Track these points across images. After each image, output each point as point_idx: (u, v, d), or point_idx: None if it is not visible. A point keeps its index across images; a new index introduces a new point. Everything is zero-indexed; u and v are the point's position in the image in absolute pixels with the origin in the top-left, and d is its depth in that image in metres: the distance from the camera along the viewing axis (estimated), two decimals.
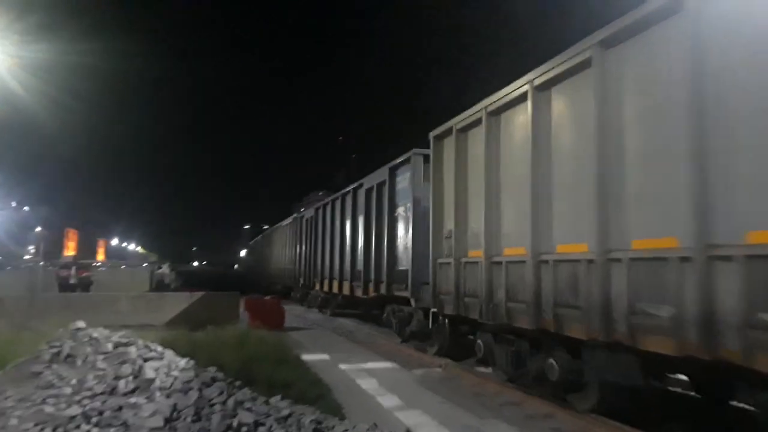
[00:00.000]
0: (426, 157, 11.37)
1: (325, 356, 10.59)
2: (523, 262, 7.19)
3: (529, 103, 7.27)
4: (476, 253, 8.56)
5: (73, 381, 5.98)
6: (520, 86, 7.50)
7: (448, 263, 9.44)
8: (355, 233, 15.96)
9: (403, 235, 12.22)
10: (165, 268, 25.79)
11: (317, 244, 21.15)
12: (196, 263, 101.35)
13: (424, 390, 8.00)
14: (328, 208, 19.74)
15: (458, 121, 9.35)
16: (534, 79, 7.18)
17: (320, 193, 64.05)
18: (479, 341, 8.79)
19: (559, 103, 6.89)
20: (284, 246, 30.07)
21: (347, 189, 17.16)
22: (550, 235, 6.81)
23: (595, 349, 6.08)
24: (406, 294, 11.56)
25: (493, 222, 8.11)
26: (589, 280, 5.99)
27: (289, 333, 14.04)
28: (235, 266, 73.20)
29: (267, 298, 18.51)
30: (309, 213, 23.57)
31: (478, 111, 8.61)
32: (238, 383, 6.42)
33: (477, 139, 8.77)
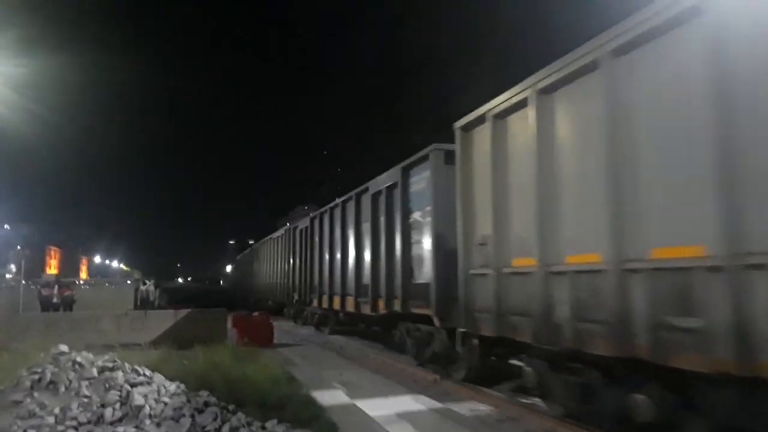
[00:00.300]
0: (447, 154, 9.89)
1: (338, 390, 9.03)
2: (599, 272, 5.70)
3: (601, 72, 5.82)
4: (524, 262, 7.07)
5: (56, 410, 5.71)
6: (587, 53, 6.05)
7: (484, 275, 7.94)
8: (359, 244, 14.34)
9: (422, 243, 10.64)
10: (149, 285, 24.10)
11: (314, 257, 19.49)
12: (180, 280, 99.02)
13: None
14: (326, 218, 18.07)
15: (494, 105, 7.88)
16: (607, 42, 5.74)
17: (305, 207, 63.03)
18: (528, 368, 7.29)
19: (648, 69, 5.41)
20: (275, 260, 28.39)
21: (349, 195, 15.52)
22: (640, 235, 5.31)
23: (718, 385, 4.59)
24: (427, 311, 9.98)
25: (549, 224, 6.63)
26: (710, 294, 4.52)
27: (280, 350, 13.55)
28: (221, 282, 71.48)
29: (255, 314, 17.36)
30: (303, 223, 21.89)
31: (524, 90, 7.15)
32: (231, 407, 6.18)
33: (522, 124, 7.29)
